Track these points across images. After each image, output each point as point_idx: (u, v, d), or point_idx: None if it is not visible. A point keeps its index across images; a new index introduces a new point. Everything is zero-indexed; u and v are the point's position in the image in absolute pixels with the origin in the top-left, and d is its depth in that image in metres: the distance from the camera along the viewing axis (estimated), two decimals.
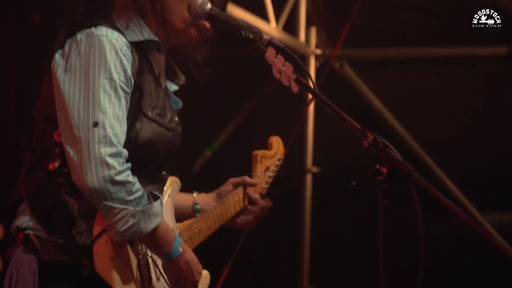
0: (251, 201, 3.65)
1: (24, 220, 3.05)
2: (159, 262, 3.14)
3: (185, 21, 3.17)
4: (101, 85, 2.94)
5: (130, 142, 3.02)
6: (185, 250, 3.09)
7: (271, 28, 6.97)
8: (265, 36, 3.08)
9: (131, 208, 2.91)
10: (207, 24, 3.19)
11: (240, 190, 3.60)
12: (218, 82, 6.84)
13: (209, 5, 3.16)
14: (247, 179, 3.64)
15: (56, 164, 3.02)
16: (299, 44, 7.50)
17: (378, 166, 2.84)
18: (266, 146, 3.81)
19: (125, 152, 2.94)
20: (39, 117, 3.09)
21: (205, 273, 3.45)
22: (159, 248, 3.03)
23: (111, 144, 2.90)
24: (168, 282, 3.13)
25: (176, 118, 3.20)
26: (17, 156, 5.80)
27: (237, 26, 3.12)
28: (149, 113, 3.08)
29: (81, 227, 3.01)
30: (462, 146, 7.58)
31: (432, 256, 6.83)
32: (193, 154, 7.34)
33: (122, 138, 2.96)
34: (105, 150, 2.89)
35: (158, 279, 3.14)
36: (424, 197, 2.83)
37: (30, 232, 3.03)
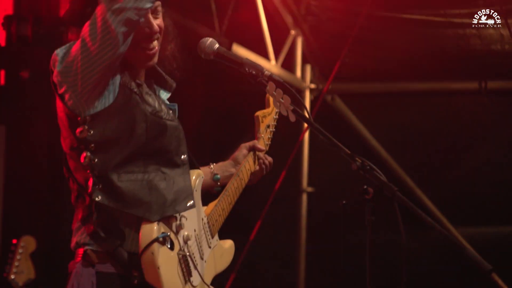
0: (260, 163, 3.56)
1: (82, 237, 3.03)
2: (196, 255, 3.11)
3: (136, 49, 3.08)
4: None
5: (144, 138, 3.00)
6: None
7: (271, 65, 6.98)
8: (266, 72, 3.07)
9: None
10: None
11: (250, 158, 3.53)
12: (224, 112, 6.85)
13: (217, 45, 3.15)
14: (256, 144, 3.56)
15: (90, 184, 2.98)
16: (296, 80, 7.51)
17: (365, 187, 2.85)
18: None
19: None
20: (67, 148, 3.07)
21: (230, 243, 3.38)
22: None
23: None
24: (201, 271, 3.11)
25: (170, 112, 3.14)
26: (50, 177, 5.78)
27: (241, 63, 3.11)
28: (149, 111, 3.03)
29: (130, 241, 2.99)
30: (438, 169, 7.58)
31: (412, 266, 6.79)
32: None
33: None
34: None
35: (195, 268, 3.10)
36: (406, 213, 2.81)
37: (88, 247, 3.01)
